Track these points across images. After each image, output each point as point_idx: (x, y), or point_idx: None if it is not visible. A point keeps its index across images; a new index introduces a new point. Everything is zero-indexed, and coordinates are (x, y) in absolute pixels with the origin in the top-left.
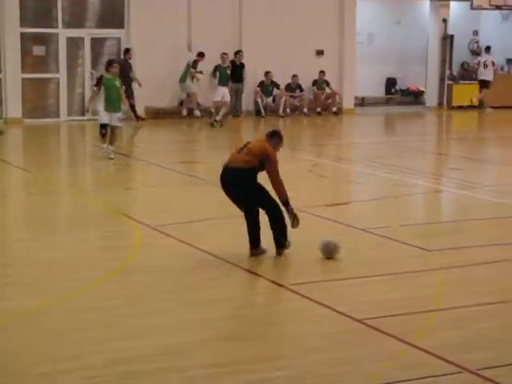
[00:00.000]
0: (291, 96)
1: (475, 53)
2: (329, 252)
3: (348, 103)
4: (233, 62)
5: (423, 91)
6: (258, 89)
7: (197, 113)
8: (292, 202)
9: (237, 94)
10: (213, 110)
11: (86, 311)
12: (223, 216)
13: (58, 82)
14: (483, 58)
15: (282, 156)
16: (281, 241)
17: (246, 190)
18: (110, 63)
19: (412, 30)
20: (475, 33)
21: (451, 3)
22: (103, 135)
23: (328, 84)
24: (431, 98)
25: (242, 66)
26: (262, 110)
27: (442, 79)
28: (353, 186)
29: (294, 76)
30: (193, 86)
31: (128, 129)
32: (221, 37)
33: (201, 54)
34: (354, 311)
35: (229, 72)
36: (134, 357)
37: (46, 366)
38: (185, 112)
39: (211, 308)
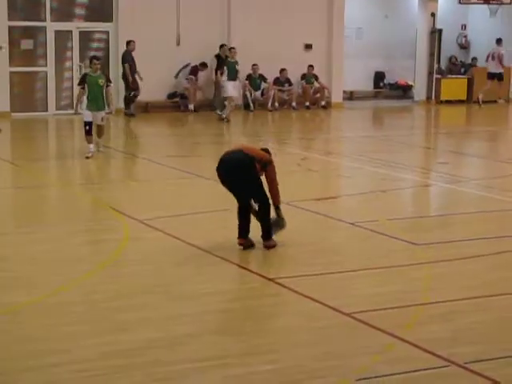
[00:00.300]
0: (280, 90)
1: (463, 47)
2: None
3: (336, 97)
4: (218, 55)
5: (411, 85)
6: (247, 82)
7: (191, 107)
8: (281, 196)
9: None
10: (226, 104)
11: (75, 305)
12: (212, 210)
13: (46, 76)
14: (493, 50)
15: (271, 150)
16: (270, 232)
17: (247, 175)
18: (91, 59)
19: (400, 24)
20: (463, 27)
21: None
22: (87, 133)
23: (317, 78)
24: (419, 92)
25: (227, 59)
26: (251, 104)
27: (430, 73)
28: (341, 180)
29: (283, 70)
30: (185, 82)
31: (118, 121)
32: (209, 30)
33: (204, 65)
34: (343, 305)
35: (237, 67)
36: (124, 350)
37: (35, 360)
38: (182, 107)
39: (200, 302)
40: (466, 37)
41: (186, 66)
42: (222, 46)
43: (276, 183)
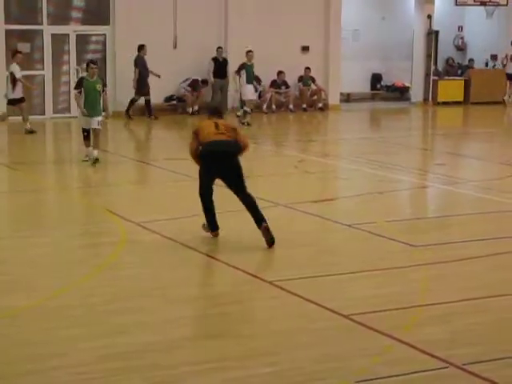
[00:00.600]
0: (277, 92)
1: (460, 49)
2: None
3: (333, 99)
4: (215, 58)
5: (408, 87)
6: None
7: (189, 110)
8: (278, 198)
9: (222, 90)
10: (246, 109)
11: (73, 308)
12: None
13: (43, 79)
14: (508, 51)
15: (268, 152)
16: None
17: (236, 163)
18: (88, 63)
19: (397, 26)
20: (460, 29)
21: None
22: (86, 138)
23: (314, 80)
24: (416, 93)
25: (225, 62)
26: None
27: (427, 75)
28: (338, 182)
29: (280, 72)
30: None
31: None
32: (206, 33)
33: (204, 82)
34: (341, 307)
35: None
36: (121, 353)
37: (33, 364)
38: (190, 110)
39: (198, 304)
40: (462, 38)
41: (186, 80)
42: (218, 49)
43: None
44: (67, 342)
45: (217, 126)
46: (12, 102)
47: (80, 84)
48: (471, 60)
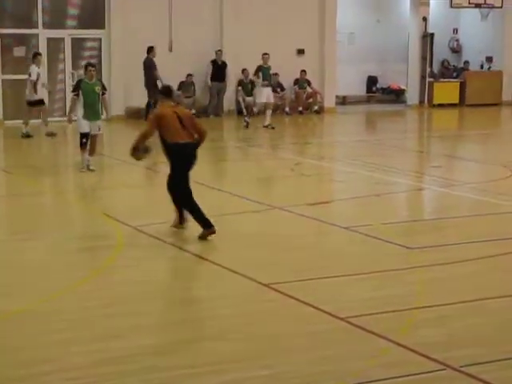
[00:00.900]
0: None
1: (455, 51)
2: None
3: (329, 102)
4: (214, 61)
5: (404, 89)
6: (240, 88)
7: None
8: (274, 201)
9: (219, 94)
10: (255, 110)
11: (68, 312)
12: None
13: None
14: None
15: (265, 155)
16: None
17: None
18: (87, 66)
19: (392, 29)
20: (455, 31)
21: (431, 1)
22: (83, 145)
23: (309, 83)
24: (412, 96)
25: (224, 65)
26: (244, 110)
27: (422, 77)
28: (335, 185)
29: (275, 75)
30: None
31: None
32: (202, 37)
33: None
34: (338, 310)
35: (271, 73)
36: (117, 357)
37: (26, 369)
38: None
39: (195, 307)
40: (457, 41)
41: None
42: (217, 52)
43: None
44: (61, 346)
45: (180, 119)
46: (31, 104)
47: (78, 87)
48: (466, 62)
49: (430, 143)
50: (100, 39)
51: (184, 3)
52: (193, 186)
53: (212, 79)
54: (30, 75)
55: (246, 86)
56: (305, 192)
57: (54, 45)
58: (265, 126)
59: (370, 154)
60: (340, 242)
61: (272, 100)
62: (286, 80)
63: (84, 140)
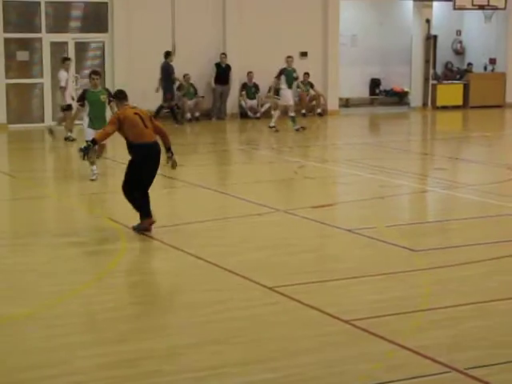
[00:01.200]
0: (275, 98)
1: (459, 53)
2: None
3: (332, 104)
4: (218, 64)
5: (407, 92)
6: (244, 93)
7: (187, 116)
8: (278, 204)
9: (222, 97)
10: (273, 113)
11: (73, 316)
12: (210, 219)
13: (43, 87)
14: None
15: (268, 158)
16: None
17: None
18: (90, 74)
19: (395, 31)
20: (458, 33)
21: (434, 3)
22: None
23: (312, 86)
24: (415, 98)
25: (228, 68)
26: (249, 113)
27: (426, 79)
28: (338, 187)
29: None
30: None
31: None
32: (205, 40)
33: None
34: (342, 312)
35: (295, 75)
36: (122, 361)
37: (32, 372)
38: (189, 115)
39: (199, 311)
40: (461, 42)
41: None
42: (221, 55)
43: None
44: (66, 350)
45: (142, 120)
46: (64, 109)
47: (83, 97)
48: (470, 64)
49: (434, 145)
50: (103, 43)
51: (187, 6)
52: (197, 189)
53: (215, 82)
54: (60, 81)
55: (250, 89)
56: (308, 195)
57: (58, 49)
58: (272, 126)
59: (373, 156)
60: (344, 244)
61: (292, 102)
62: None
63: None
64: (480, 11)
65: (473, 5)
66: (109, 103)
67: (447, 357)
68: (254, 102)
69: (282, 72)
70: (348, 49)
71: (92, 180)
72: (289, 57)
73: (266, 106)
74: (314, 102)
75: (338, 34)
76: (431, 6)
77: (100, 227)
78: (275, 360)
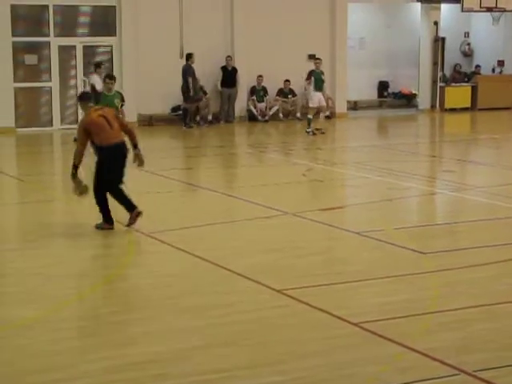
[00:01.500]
0: (284, 101)
1: (467, 55)
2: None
3: (340, 107)
4: (224, 67)
5: (415, 94)
6: (254, 97)
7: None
8: (287, 207)
9: (229, 100)
10: (310, 117)
11: (81, 319)
12: (218, 222)
13: (51, 91)
14: None
15: (276, 161)
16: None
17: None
18: (105, 78)
19: (403, 33)
20: (466, 35)
21: (442, 6)
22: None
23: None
24: (424, 100)
25: (234, 70)
26: (258, 116)
27: (434, 82)
28: (347, 190)
29: (287, 81)
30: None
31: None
32: (213, 43)
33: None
34: (351, 315)
35: (323, 77)
36: (130, 364)
37: (39, 376)
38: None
39: (207, 314)
40: (469, 45)
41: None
42: (227, 58)
43: None
44: (74, 353)
45: (107, 121)
46: None
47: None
48: (478, 66)
49: (442, 148)
50: (111, 46)
51: (195, 10)
52: (205, 192)
53: (222, 85)
54: (92, 85)
55: (258, 93)
56: (317, 197)
57: (66, 52)
58: (317, 129)
59: (381, 158)
60: (352, 247)
61: (324, 103)
62: (297, 85)
63: None
64: (488, 13)
65: (481, 7)
66: (121, 107)
67: (456, 359)
68: (262, 105)
69: (311, 74)
70: (356, 51)
71: None
72: (317, 59)
73: (274, 108)
74: None
75: (346, 37)
76: (439, 9)
77: (108, 231)
78: (283, 363)
